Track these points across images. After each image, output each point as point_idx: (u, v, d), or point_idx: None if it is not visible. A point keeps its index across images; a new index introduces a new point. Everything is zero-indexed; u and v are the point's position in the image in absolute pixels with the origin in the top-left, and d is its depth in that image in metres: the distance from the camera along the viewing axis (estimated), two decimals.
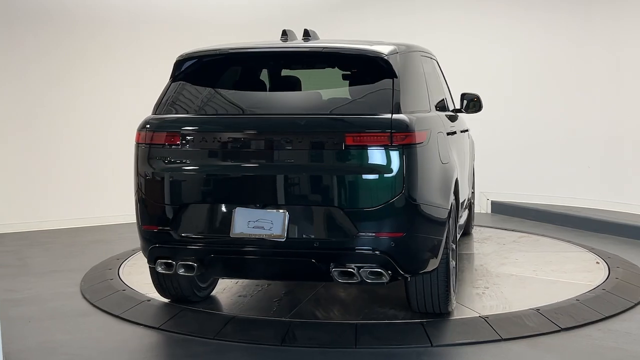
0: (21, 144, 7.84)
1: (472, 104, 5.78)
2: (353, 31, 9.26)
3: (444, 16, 9.36)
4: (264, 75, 4.66)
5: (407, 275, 4.15)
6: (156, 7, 8.57)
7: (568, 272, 5.67)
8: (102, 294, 5.28)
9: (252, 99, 4.39)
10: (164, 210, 4.25)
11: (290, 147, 4.02)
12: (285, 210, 4.03)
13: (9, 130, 7.81)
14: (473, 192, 7.26)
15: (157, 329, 4.54)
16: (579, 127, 8.52)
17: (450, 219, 4.44)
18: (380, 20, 9.44)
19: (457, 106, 5.94)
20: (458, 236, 5.12)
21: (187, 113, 4.35)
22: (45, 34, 7.98)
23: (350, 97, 4.29)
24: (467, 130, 6.46)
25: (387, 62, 4.20)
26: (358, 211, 3.96)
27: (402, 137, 3.91)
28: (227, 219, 4.11)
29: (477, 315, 4.59)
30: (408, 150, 3.93)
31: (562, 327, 4.48)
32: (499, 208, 8.97)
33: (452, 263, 4.57)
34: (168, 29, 8.53)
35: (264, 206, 4.07)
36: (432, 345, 4.22)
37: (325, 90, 4.47)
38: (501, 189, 9.00)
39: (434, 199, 4.20)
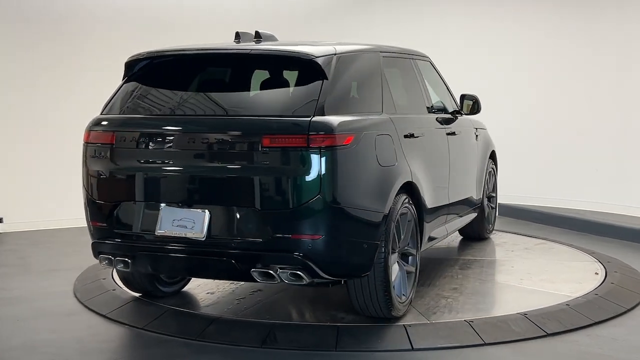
0: (25, 144, 7.93)
1: (470, 105, 5.91)
2: (362, 35, 9.26)
3: (452, 20, 9.30)
4: (199, 77, 4.65)
5: (331, 278, 4.11)
6: (165, 9, 8.62)
7: (556, 282, 5.39)
8: (93, 293, 5.32)
9: (185, 99, 4.41)
10: (102, 207, 4.41)
11: (210, 148, 4.08)
12: (206, 210, 4.08)
13: (14, 130, 7.89)
14: (494, 196, 7.08)
15: (141, 329, 4.56)
16: (586, 129, 8.39)
17: (391, 224, 4.34)
18: (389, 25, 9.42)
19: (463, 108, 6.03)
20: (425, 242, 4.99)
21: (129, 113, 4.43)
22: (60, 37, 8.06)
23: (277, 99, 4.28)
24: (477, 133, 6.39)
25: (316, 64, 4.16)
26: (274, 213, 3.97)
27: (320, 140, 3.89)
28: (155, 217, 4.20)
29: (463, 319, 4.54)
30: (327, 152, 3.90)
31: (548, 332, 4.41)
32: (507, 211, 8.79)
33: (396, 267, 4.50)
34: (177, 29, 8.57)
35: (189, 206, 4.13)
36: (412, 349, 4.19)
37: (256, 92, 4.43)
38: (510, 192, 8.85)
39: (362, 203, 4.14)
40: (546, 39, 8.72)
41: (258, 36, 4.67)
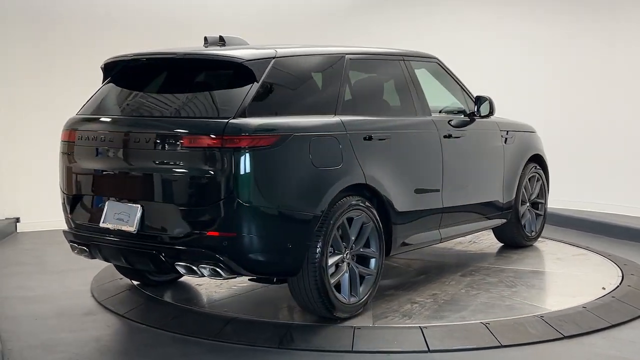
0: (42, 145, 7.98)
1: (484, 106, 5.83)
2: (378, 33, 9.27)
3: (468, 18, 9.29)
4: (144, 80, 4.79)
5: (252, 275, 4.37)
6: (179, 8, 8.66)
7: (550, 297, 5.22)
8: (110, 293, 5.36)
9: (131, 101, 4.66)
10: (67, 199, 4.81)
11: (142, 147, 4.31)
12: (139, 206, 4.33)
13: (31, 131, 7.96)
14: (540, 202, 6.75)
15: (158, 328, 4.59)
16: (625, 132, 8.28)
17: (330, 226, 4.37)
18: (403, 22, 9.42)
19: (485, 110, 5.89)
20: (397, 246, 5.00)
21: (92, 114, 4.74)
22: (82, 40, 8.14)
23: (206, 101, 4.40)
24: (507, 135, 6.22)
25: (245, 68, 4.30)
26: (192, 210, 4.15)
27: (235, 141, 4.02)
28: (102, 210, 4.53)
29: (479, 321, 4.53)
30: (242, 153, 4.02)
31: (566, 335, 4.40)
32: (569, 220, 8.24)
33: (344, 269, 4.54)
34: (191, 28, 8.61)
35: (127, 201, 4.41)
36: (429, 351, 4.19)
37: (190, 94, 4.51)
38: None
39: (286, 203, 4.22)
40: (575, 39, 8.65)
41: (222, 40, 4.80)
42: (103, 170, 4.54)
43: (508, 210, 6.31)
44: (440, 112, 5.89)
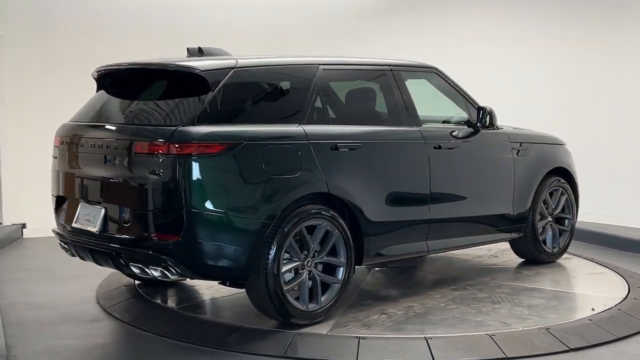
0: (49, 152, 7.99)
1: (484, 118, 5.72)
2: (382, 42, 9.30)
3: (474, 28, 9.31)
4: (118, 89, 4.99)
5: (200, 278, 4.55)
6: (186, 18, 8.70)
7: (530, 316, 4.86)
8: (116, 299, 5.37)
9: (104, 109, 4.90)
10: (53, 200, 5.12)
11: (103, 152, 4.56)
12: (102, 208, 4.56)
13: (37, 137, 7.98)
14: (566, 218, 6.49)
15: (162, 336, 4.60)
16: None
17: (284, 233, 4.44)
18: (410, 30, 9.45)
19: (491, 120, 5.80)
20: (370, 257, 4.98)
21: (77, 120, 5.00)
22: (91, 47, 8.17)
23: (164, 110, 4.56)
24: (521, 147, 6.05)
25: (201, 78, 4.44)
26: (142, 213, 4.32)
27: (181, 148, 4.18)
28: (75, 211, 4.79)
29: (484, 333, 4.52)
30: (188, 160, 4.18)
31: (571, 348, 4.38)
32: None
33: (304, 276, 4.59)
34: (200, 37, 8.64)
35: (95, 203, 4.65)
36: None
37: (154, 103, 4.70)
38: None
39: (232, 209, 4.32)
40: (582, 50, 8.65)
41: (200, 51, 4.97)
42: (76, 174, 4.82)
43: (521, 224, 6.12)
44: (443, 122, 5.87)
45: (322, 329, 4.58)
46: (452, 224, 5.59)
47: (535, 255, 6.36)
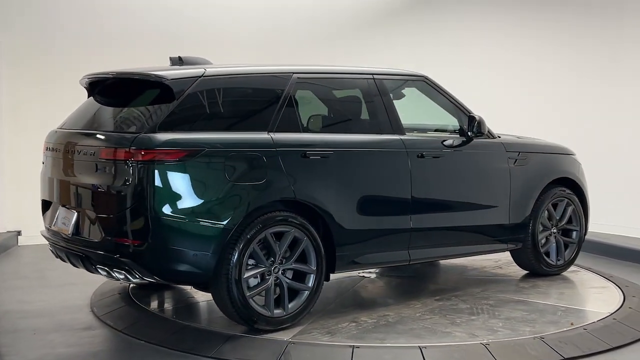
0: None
1: (473, 126, 5.61)
2: (379, 47, 9.33)
3: (469, 46, 9.35)
4: (95, 97, 5.18)
5: (162, 282, 4.71)
6: (182, 26, 8.72)
7: (502, 328, 4.76)
8: (110, 307, 5.36)
9: (83, 116, 5.06)
10: (41, 203, 5.26)
11: (75, 158, 4.73)
12: (75, 212, 4.73)
13: (33, 145, 7.95)
14: (574, 230, 6.35)
15: (157, 345, 4.58)
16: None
17: (246, 239, 4.52)
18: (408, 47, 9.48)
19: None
20: (344, 264, 5.01)
21: (61, 127, 5.15)
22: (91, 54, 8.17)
23: (134, 117, 4.71)
24: (518, 157, 5.94)
25: (166, 86, 4.57)
26: (105, 218, 4.46)
27: (141, 154, 4.29)
28: (55, 214, 4.98)
29: (479, 342, 4.52)
30: (148, 166, 4.29)
31: (565, 357, 4.37)
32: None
33: (270, 282, 4.65)
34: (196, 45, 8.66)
35: (70, 207, 4.80)
36: None
37: (126, 110, 4.85)
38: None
39: (192, 214, 4.39)
40: (572, 72, 8.68)
41: (180, 60, 5.09)
42: (56, 179, 4.99)
43: (519, 235, 6.01)
44: (436, 131, 5.86)
45: (285, 335, 4.60)
46: (438, 234, 5.54)
47: (536, 267, 6.23)
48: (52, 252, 5.06)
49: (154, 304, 5.52)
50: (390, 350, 4.38)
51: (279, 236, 4.70)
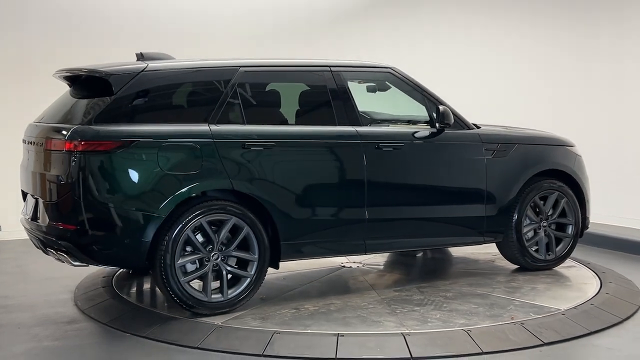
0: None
1: (439, 117, 5.56)
2: (357, 43, 9.37)
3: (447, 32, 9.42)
4: (69, 90, 5.37)
5: (100, 265, 4.98)
6: (164, 20, 8.69)
7: (432, 320, 4.70)
8: (93, 301, 5.36)
9: (54, 110, 5.27)
10: (21, 194, 5.51)
11: (35, 150, 5.06)
12: (34, 199, 5.04)
13: (10, 138, 7.89)
14: (567, 224, 6.17)
15: (141, 337, 4.60)
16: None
17: (179, 226, 4.74)
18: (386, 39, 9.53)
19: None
20: (290, 253, 5.12)
21: (36, 121, 5.36)
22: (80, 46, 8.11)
23: (79, 110, 4.95)
24: (497, 148, 5.82)
25: (106, 82, 4.83)
26: (48, 204, 4.79)
27: (76, 145, 4.60)
28: (25, 202, 5.32)
29: (460, 328, 4.60)
30: (82, 156, 4.59)
31: (545, 342, 4.46)
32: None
33: (191, 267, 4.87)
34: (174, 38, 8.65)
35: (32, 195, 5.10)
36: (412, 357, 4.24)
37: (78, 104, 5.04)
38: None
39: (123, 202, 4.65)
40: (554, 50, 8.77)
41: (142, 57, 5.25)
42: (26, 170, 5.23)
43: (498, 228, 5.88)
44: (409, 122, 5.90)
45: (216, 319, 4.76)
46: (401, 225, 5.53)
47: (522, 261, 6.07)
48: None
49: (138, 297, 5.53)
50: (309, 336, 4.50)
51: (216, 224, 4.88)
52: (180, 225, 4.74)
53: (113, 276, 5.98)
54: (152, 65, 5.00)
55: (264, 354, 4.28)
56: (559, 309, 4.98)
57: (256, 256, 4.99)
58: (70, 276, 6.11)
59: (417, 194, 5.63)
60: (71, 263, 4.76)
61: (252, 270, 4.99)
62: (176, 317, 4.87)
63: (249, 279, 4.97)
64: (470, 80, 9.15)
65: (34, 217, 5.00)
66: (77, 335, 4.70)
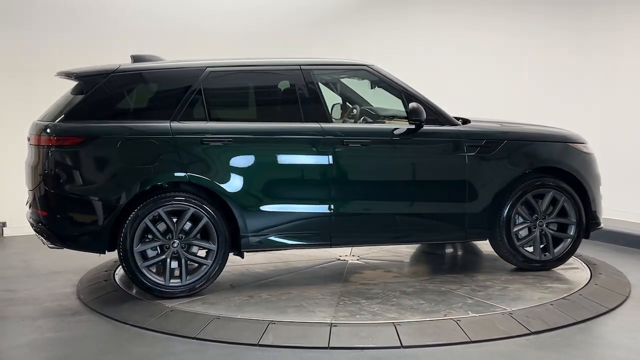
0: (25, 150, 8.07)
1: (411, 114, 5.55)
2: (353, 43, 9.48)
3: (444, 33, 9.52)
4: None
5: (70, 248, 5.36)
6: (161, 17, 8.81)
7: (389, 312, 4.79)
8: (96, 294, 5.52)
9: (54, 107, 5.55)
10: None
11: (29, 144, 5.51)
12: (29, 190, 5.53)
13: (18, 135, 8.02)
14: (565, 224, 5.92)
15: (142, 328, 4.76)
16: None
17: (138, 215, 5.17)
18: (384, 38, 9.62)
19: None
20: (251, 242, 5.37)
21: (38, 119, 5.63)
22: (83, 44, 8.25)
23: (59, 108, 5.40)
24: (482, 145, 5.70)
25: (78, 82, 5.39)
26: (30, 192, 5.44)
27: (45, 140, 5.19)
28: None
29: (450, 318, 4.73)
30: (50, 149, 5.16)
31: (532, 331, 4.60)
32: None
33: (151, 253, 5.27)
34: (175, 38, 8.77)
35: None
36: (402, 346, 4.38)
37: (61, 103, 5.49)
38: None
39: (84, 192, 5.19)
40: (545, 46, 8.86)
41: (137, 59, 5.68)
42: (28, 165, 5.57)
43: (483, 227, 5.77)
44: (393, 118, 5.97)
45: (170, 302, 5.13)
46: (371, 220, 5.60)
47: (513, 260, 5.90)
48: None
49: (138, 290, 5.67)
50: (241, 322, 4.72)
51: (174, 214, 5.28)
52: (136, 214, 5.18)
53: (114, 270, 6.13)
54: (124, 66, 5.45)
55: (260, 343, 4.43)
56: (505, 309, 4.88)
57: (215, 246, 5.30)
58: (74, 271, 6.26)
59: (386, 189, 5.65)
60: (48, 245, 5.32)
61: (211, 259, 5.30)
62: (175, 308, 5.02)
63: (206, 267, 5.31)
64: (470, 78, 9.21)
65: (29, 207, 5.52)
66: (79, 327, 4.85)
